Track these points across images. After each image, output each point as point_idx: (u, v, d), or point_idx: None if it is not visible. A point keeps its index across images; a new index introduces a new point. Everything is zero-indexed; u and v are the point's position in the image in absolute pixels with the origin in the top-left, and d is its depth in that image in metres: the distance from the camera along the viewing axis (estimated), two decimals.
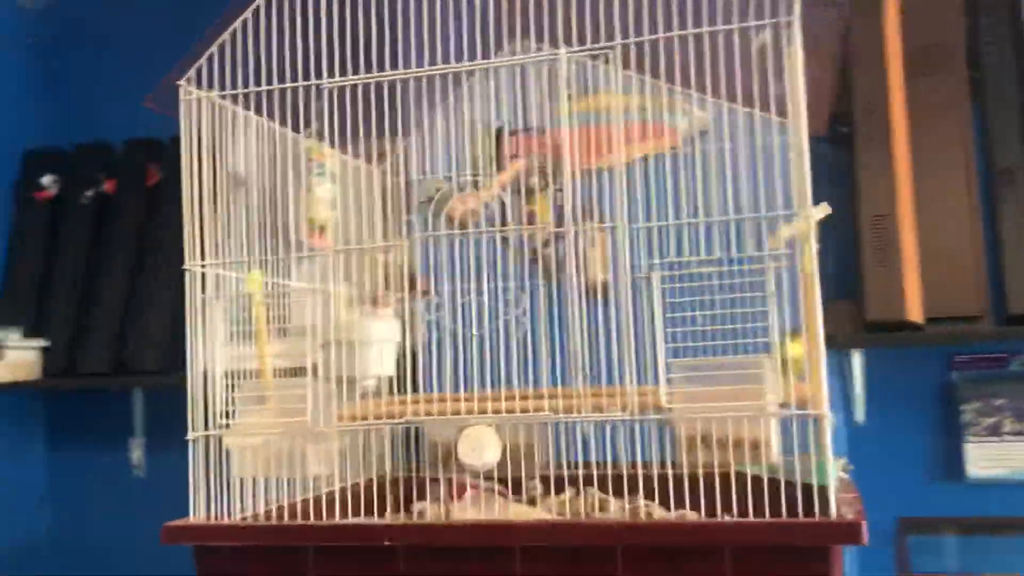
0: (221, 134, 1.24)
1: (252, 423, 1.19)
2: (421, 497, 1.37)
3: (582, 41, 1.12)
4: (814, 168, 2.62)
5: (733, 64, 1.08)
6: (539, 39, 1.17)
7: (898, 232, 2.45)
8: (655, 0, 1.07)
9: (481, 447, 1.11)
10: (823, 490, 1.03)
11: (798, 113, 1.06)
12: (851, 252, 2.53)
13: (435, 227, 1.24)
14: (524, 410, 1.11)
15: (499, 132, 1.23)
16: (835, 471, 1.30)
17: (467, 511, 1.16)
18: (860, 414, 2.70)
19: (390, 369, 1.45)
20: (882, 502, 2.66)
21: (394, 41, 1.20)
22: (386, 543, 1.09)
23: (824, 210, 1.22)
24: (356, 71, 1.23)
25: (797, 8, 1.06)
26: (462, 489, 1.36)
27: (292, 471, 1.19)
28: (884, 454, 2.69)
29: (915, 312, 2.43)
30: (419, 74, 1.16)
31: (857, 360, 2.70)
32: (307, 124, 1.33)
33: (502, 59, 1.14)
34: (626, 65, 1.11)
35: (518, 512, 1.14)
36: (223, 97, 1.25)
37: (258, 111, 1.31)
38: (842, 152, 2.61)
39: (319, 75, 1.24)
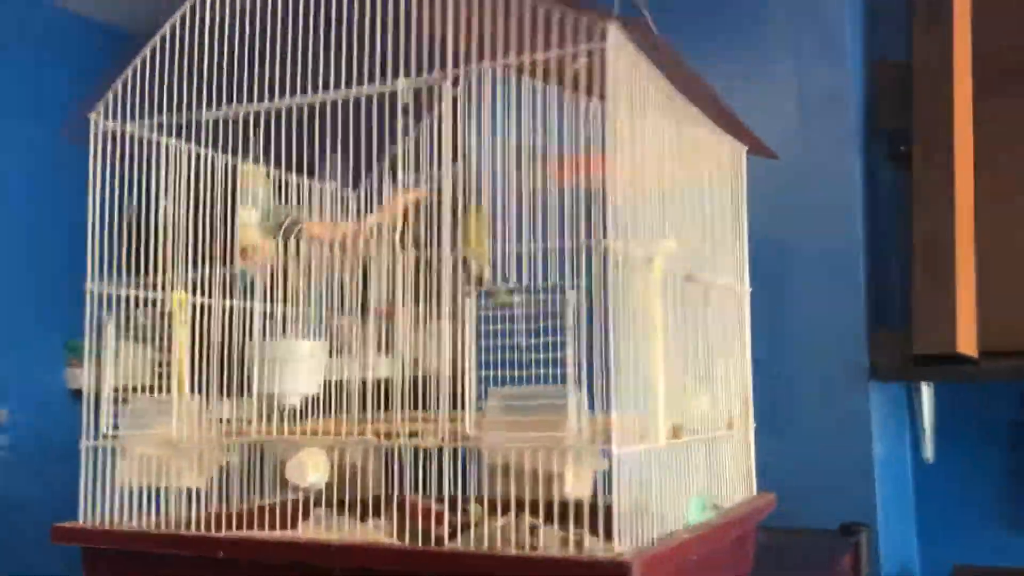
0: (132, 164, 1.33)
1: (130, 435, 1.27)
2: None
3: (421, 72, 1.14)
4: (874, 188, 2.50)
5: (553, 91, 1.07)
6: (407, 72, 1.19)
7: (954, 259, 2.29)
8: (483, 31, 1.07)
9: (303, 468, 1.15)
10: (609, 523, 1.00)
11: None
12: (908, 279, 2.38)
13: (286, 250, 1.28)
14: (350, 434, 1.13)
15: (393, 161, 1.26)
16: (700, 509, 1.26)
17: (311, 530, 1.19)
18: (928, 451, 2.53)
19: (314, 389, 1.50)
20: (941, 547, 2.48)
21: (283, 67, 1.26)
22: (220, 555, 1.14)
23: (670, 246, 1.19)
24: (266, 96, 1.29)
25: (610, 37, 1.04)
26: (415, 508, 1.40)
27: (167, 481, 1.26)
28: (949, 496, 2.52)
29: (968, 345, 2.26)
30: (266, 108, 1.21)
31: (926, 394, 2.53)
32: (229, 150, 1.40)
33: (343, 92, 1.18)
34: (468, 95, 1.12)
35: (361, 535, 1.16)
36: (131, 128, 1.34)
37: (185, 138, 1.40)
38: (903, 172, 2.47)
39: (230, 101, 1.32)
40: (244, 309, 1.44)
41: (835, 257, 2.39)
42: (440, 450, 1.13)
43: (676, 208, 1.30)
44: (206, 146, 1.36)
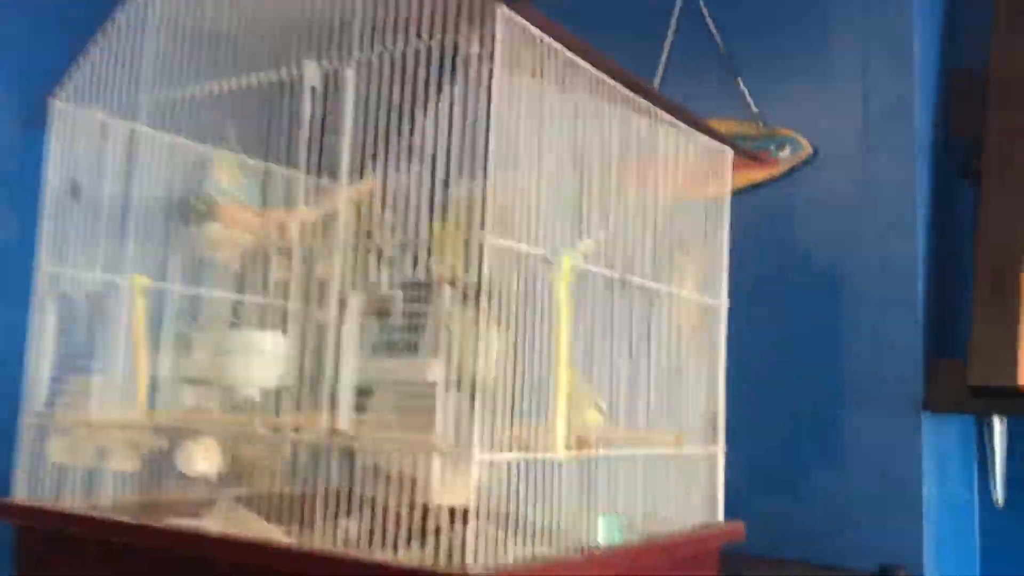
0: (94, 145, 1.36)
1: (60, 416, 1.29)
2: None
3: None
4: (942, 204, 2.34)
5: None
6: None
7: (1019, 285, 2.10)
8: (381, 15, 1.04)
9: (192, 457, 1.13)
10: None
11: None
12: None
13: (198, 236, 1.28)
14: (241, 424, 1.11)
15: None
16: (612, 530, 1.18)
17: (216, 521, 1.17)
18: (998, 495, 2.33)
19: (270, 382, 1.49)
20: None
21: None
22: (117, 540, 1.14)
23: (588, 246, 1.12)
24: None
25: (499, 19, 0.99)
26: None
27: (91, 462, 1.27)
28: (1019, 545, 2.31)
29: None
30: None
31: (998, 431, 2.34)
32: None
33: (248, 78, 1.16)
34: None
35: (256, 529, 1.14)
36: (90, 111, 1.37)
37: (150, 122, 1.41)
38: (975, 188, 2.29)
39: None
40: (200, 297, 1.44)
41: (893, 276, 2.23)
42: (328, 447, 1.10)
43: (616, 208, 1.22)
44: (172, 131, 1.37)
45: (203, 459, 1.15)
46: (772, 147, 2.43)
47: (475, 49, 1.00)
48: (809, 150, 2.37)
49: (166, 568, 1.11)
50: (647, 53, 2.77)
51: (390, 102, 1.04)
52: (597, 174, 1.17)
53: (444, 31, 1.01)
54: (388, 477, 1.00)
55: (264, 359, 1.50)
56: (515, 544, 1.00)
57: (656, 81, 2.78)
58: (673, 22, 2.65)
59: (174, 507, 1.27)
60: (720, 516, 1.45)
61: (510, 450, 1.01)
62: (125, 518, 1.20)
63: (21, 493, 1.34)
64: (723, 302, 1.49)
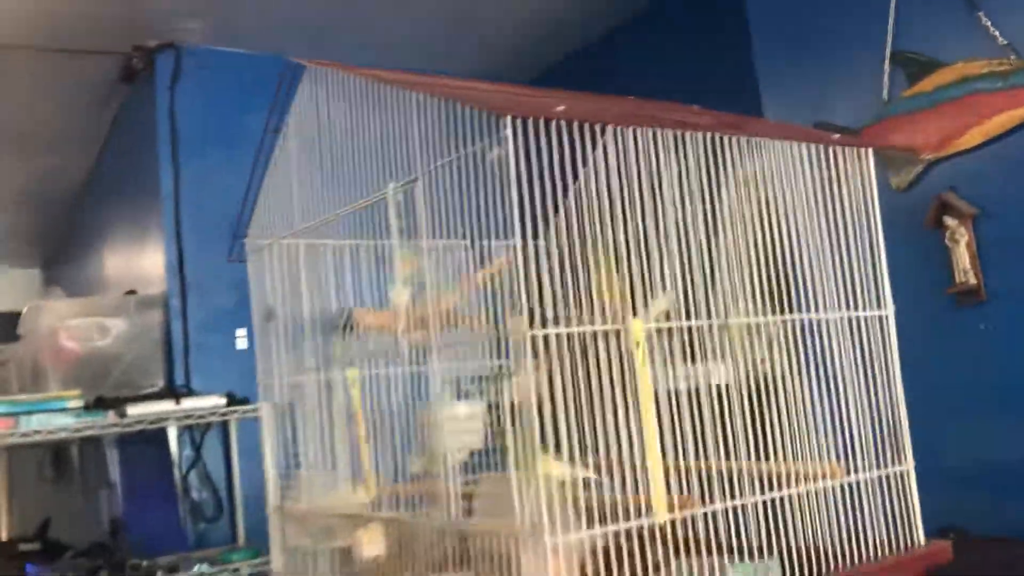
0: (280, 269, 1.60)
1: (290, 508, 1.52)
2: None
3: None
4: None
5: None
6: None
7: None
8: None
9: (359, 543, 1.29)
10: None
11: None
12: None
13: (348, 341, 1.44)
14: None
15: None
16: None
17: None
18: None
19: (478, 444, 1.64)
20: None
21: None
22: None
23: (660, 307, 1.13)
24: None
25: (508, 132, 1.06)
26: None
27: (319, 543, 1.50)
28: None
29: None
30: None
31: None
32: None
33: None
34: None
35: None
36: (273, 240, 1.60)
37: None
38: None
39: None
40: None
41: None
42: None
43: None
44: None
45: (369, 545, 1.31)
46: None
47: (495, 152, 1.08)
48: None
49: None
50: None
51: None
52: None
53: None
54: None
55: (466, 426, 1.65)
56: None
57: (888, 32, 2.59)
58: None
59: None
60: (921, 537, 1.36)
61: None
62: None
63: (277, 568, 1.59)
64: (889, 311, 1.40)
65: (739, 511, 1.24)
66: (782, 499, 1.26)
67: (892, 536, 1.35)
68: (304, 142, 1.52)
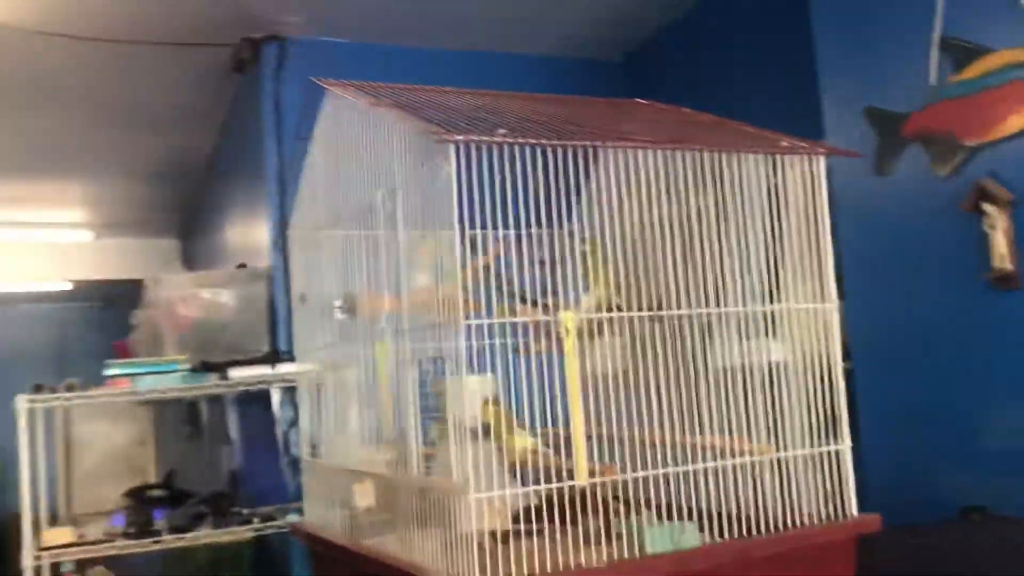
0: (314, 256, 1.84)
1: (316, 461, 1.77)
2: None
3: None
4: None
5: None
6: None
7: None
8: None
9: (353, 495, 1.52)
10: None
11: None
12: None
13: (351, 321, 1.66)
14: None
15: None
16: (661, 539, 1.35)
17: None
18: None
19: None
20: None
21: None
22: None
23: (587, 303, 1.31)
24: None
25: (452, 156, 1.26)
26: None
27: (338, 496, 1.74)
28: None
29: None
30: None
31: None
32: None
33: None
34: None
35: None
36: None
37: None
38: None
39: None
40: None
41: None
42: None
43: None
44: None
45: (362, 497, 1.54)
46: None
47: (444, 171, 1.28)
48: None
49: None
50: None
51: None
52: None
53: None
54: None
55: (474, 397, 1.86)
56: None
57: (937, 18, 2.63)
58: None
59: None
60: (854, 510, 1.50)
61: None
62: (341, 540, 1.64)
63: (310, 518, 1.85)
64: (833, 305, 1.54)
65: (678, 478, 1.42)
66: (713, 470, 1.42)
67: (825, 509, 1.49)
68: (328, 147, 1.75)
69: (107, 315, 7.99)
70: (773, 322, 1.52)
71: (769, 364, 1.49)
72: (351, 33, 4.01)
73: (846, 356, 2.88)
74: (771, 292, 1.49)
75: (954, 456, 2.43)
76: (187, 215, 6.90)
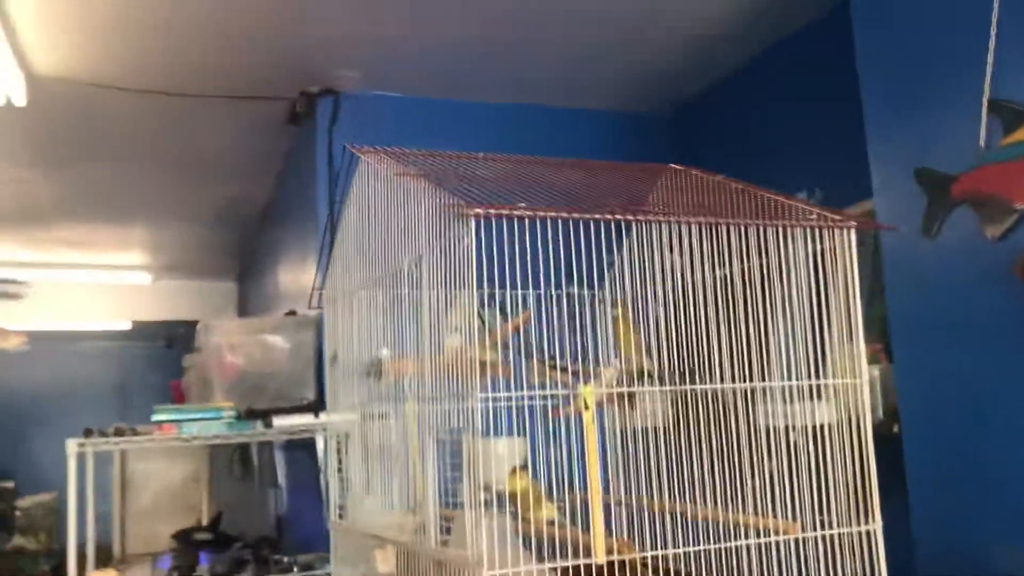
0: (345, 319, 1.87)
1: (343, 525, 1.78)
2: None
3: None
4: None
5: None
6: None
7: None
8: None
9: (375, 561, 1.52)
10: None
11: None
12: None
13: (375, 386, 1.67)
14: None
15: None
16: None
17: None
18: None
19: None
20: None
21: None
22: None
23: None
24: None
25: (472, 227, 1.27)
26: None
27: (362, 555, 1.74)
28: None
29: None
30: None
31: None
32: None
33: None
34: None
35: None
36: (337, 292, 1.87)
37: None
38: None
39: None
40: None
41: None
42: None
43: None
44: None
45: (383, 563, 1.53)
46: None
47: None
48: None
49: None
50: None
51: None
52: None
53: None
54: None
55: (505, 460, 1.86)
56: None
57: (986, 80, 2.59)
58: None
59: None
60: None
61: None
62: None
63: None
64: (864, 380, 1.51)
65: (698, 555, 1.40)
66: (737, 548, 1.40)
67: None
68: (360, 210, 1.77)
69: (168, 354, 8.15)
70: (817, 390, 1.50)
71: (814, 427, 1.47)
72: (404, 88, 4.07)
73: (894, 421, 2.82)
74: (815, 363, 1.46)
75: (1006, 527, 2.36)
76: (244, 260, 7.03)
